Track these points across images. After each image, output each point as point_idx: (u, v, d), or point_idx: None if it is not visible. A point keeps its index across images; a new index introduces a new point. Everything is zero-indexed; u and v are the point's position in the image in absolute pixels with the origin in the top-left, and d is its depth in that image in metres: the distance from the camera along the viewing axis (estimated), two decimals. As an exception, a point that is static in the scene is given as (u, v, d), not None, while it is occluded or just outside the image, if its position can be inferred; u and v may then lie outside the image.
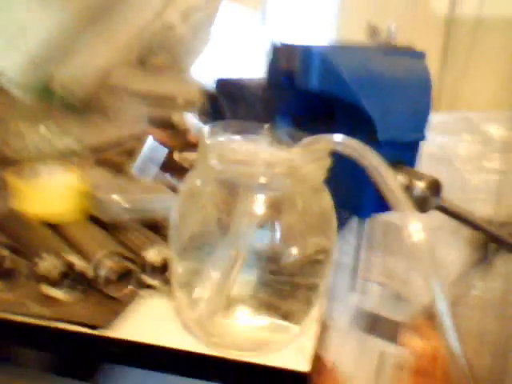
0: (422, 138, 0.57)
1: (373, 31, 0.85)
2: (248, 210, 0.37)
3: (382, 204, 0.58)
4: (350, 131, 0.59)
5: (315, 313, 0.46)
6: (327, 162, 0.40)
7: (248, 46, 1.37)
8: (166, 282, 0.48)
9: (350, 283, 0.70)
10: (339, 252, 0.68)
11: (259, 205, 0.38)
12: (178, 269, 0.43)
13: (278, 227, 0.38)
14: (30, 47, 1.43)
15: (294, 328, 0.43)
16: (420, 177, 0.54)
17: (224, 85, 0.88)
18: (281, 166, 0.37)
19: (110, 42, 1.37)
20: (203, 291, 0.40)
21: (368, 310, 0.73)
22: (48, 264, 0.46)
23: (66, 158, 0.79)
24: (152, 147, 0.89)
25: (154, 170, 0.82)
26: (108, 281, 0.47)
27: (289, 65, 0.58)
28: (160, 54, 1.41)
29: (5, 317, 0.44)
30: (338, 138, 0.42)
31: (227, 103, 0.86)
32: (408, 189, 0.53)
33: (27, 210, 0.54)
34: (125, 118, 1.00)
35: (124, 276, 0.49)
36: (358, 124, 0.56)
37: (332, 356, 0.57)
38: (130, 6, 1.38)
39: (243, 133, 0.45)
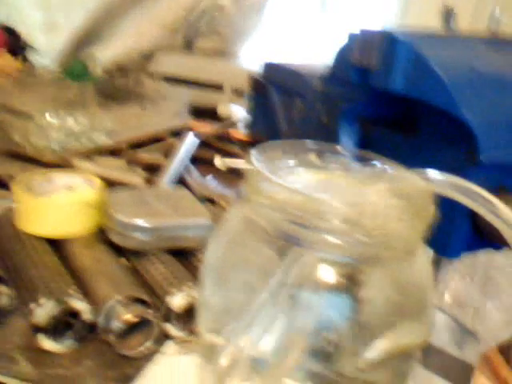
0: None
1: (448, 15, 0.71)
2: (311, 277, 0.26)
3: (474, 242, 0.46)
4: (438, 147, 0.46)
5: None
6: (430, 211, 0.27)
7: (304, 30, 1.24)
8: (194, 332, 0.38)
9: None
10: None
11: (325, 272, 0.26)
12: (206, 337, 0.32)
13: (351, 307, 0.26)
14: (73, 25, 1.34)
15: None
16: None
17: (273, 71, 0.74)
18: (367, 220, 0.25)
19: (154, 21, 1.27)
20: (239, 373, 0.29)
21: (436, 346, 0.60)
22: (46, 312, 0.36)
23: (94, 155, 0.70)
24: (193, 145, 0.78)
25: (194, 172, 0.72)
26: (121, 335, 0.37)
27: (364, 55, 0.46)
28: (208, 36, 1.29)
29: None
30: (434, 174, 0.29)
31: (277, 95, 0.73)
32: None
33: (32, 230, 0.44)
34: (165, 108, 0.90)
35: (141, 325, 0.38)
36: (451, 139, 0.43)
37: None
38: (178, -16, 1.27)
39: (299, 154, 0.33)
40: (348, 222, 0.25)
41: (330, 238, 0.25)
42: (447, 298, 0.64)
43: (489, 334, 0.61)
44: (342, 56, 0.50)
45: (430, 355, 0.60)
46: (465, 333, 0.61)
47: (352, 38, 0.48)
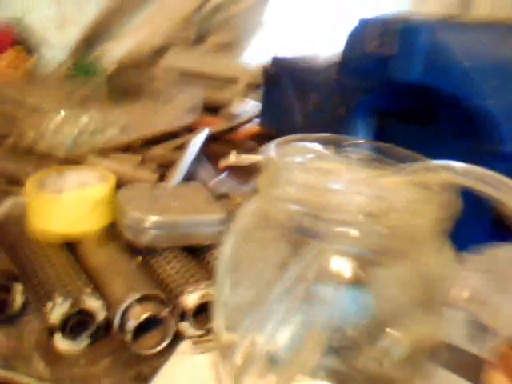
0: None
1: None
2: (328, 271, 0.25)
3: (495, 236, 0.45)
4: (457, 139, 0.45)
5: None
6: (454, 204, 0.26)
7: (318, 20, 1.22)
8: (211, 331, 0.37)
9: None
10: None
11: (344, 266, 0.25)
12: (223, 335, 0.31)
13: (369, 300, 0.26)
14: (85, 20, 1.34)
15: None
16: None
17: (284, 64, 0.73)
18: (388, 214, 0.24)
19: (167, 16, 1.26)
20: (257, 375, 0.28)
21: (453, 343, 0.59)
22: (62, 311, 0.36)
23: (108, 152, 0.69)
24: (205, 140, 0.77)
25: (208, 168, 0.71)
26: (137, 334, 0.37)
27: (380, 46, 0.45)
28: (222, 30, 1.28)
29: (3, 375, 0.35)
30: (461, 166, 0.28)
31: (291, 88, 0.71)
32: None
33: (45, 228, 0.44)
34: (179, 104, 0.89)
35: (157, 324, 0.38)
36: (471, 130, 0.42)
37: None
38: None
39: (318, 147, 0.32)
40: (368, 215, 0.24)
41: (348, 230, 0.24)
42: (465, 294, 0.62)
43: (508, 332, 0.59)
44: (353, 43, 0.49)
45: (447, 353, 0.58)
46: (483, 330, 0.59)
47: (364, 23, 0.46)
